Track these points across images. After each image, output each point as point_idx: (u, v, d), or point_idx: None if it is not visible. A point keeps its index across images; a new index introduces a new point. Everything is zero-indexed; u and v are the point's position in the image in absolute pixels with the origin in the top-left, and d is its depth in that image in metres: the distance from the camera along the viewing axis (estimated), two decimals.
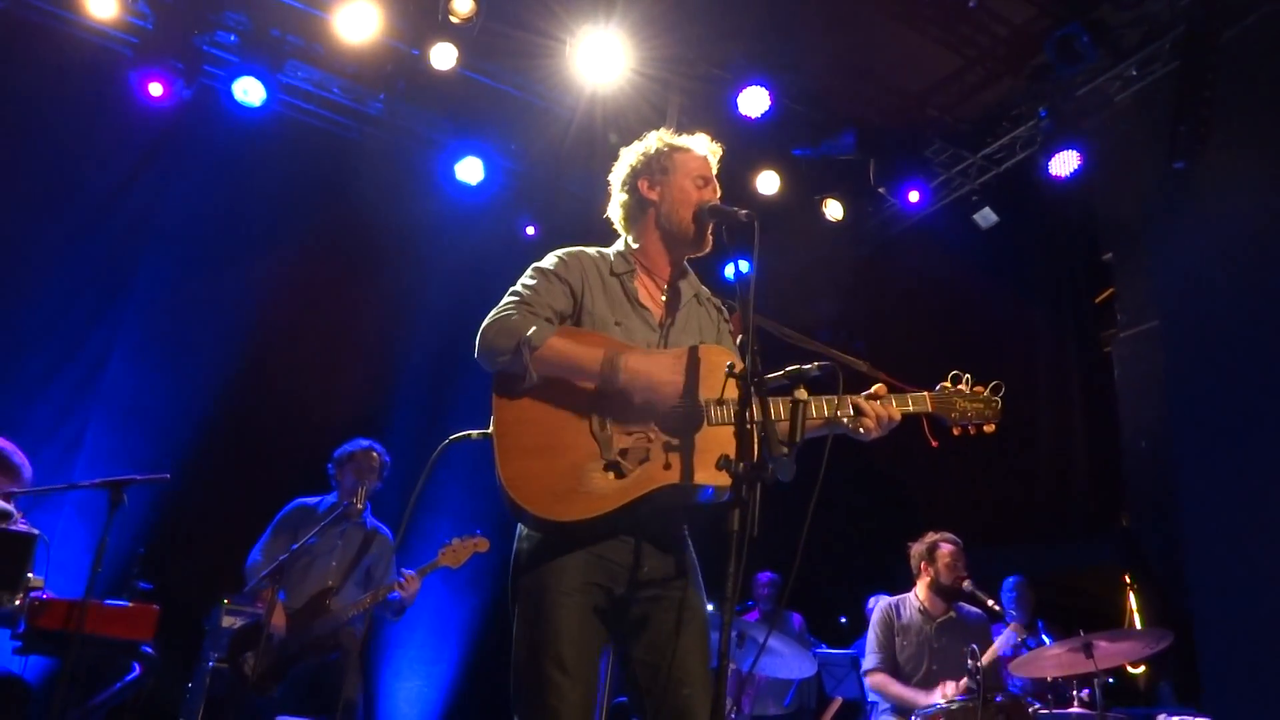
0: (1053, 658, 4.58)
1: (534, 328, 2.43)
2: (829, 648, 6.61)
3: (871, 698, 5.19)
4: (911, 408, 2.59)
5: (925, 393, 2.62)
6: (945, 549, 5.19)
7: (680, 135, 2.82)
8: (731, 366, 2.31)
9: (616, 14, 6.34)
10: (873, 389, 2.57)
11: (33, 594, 4.45)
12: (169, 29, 6.33)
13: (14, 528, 4.54)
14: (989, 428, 2.63)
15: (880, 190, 7.57)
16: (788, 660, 5.03)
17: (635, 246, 2.76)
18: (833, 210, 7.96)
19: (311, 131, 7.25)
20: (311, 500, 5.40)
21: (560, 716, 2.30)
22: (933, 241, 8.09)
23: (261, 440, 6.78)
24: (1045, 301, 8.35)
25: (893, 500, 8.28)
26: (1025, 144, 7.30)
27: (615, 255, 2.74)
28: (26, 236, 6.43)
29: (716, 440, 2.36)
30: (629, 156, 2.80)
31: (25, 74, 6.41)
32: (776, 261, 8.05)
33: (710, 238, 2.70)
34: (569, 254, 2.68)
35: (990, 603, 5.02)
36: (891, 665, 5.05)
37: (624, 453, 2.41)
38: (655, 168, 2.73)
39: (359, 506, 5.19)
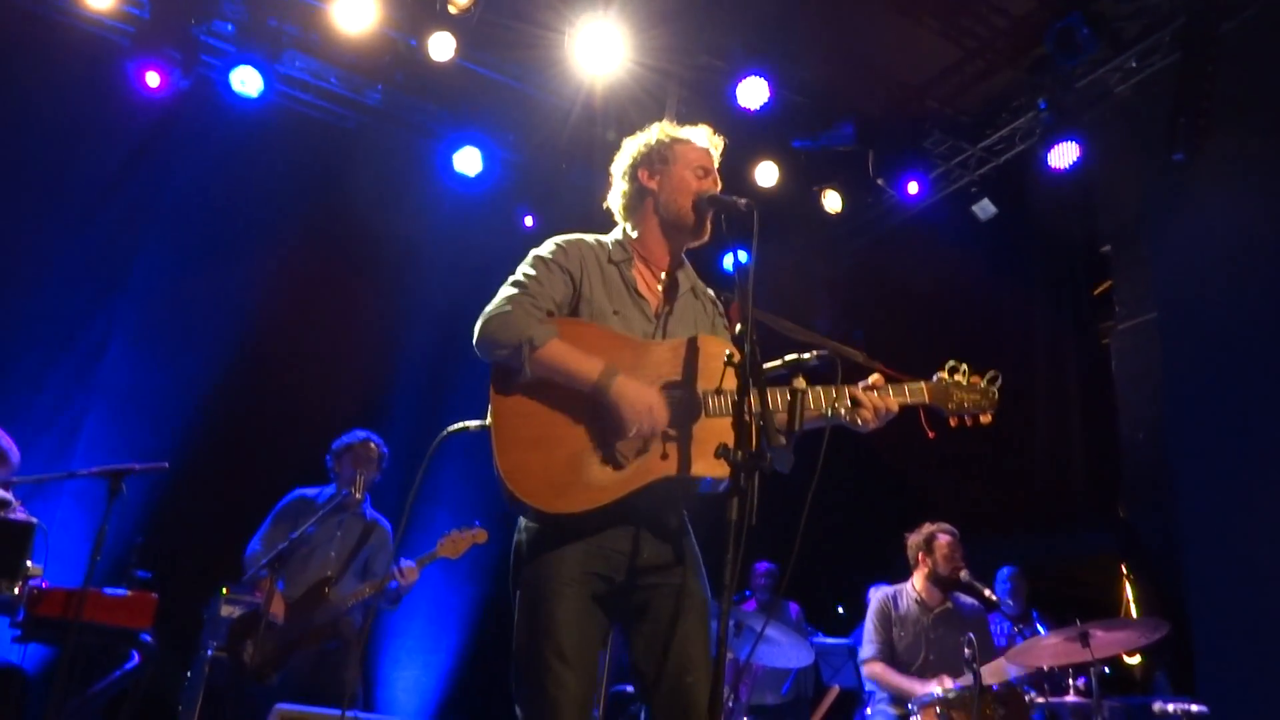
0: (1049, 647, 4.60)
1: (537, 328, 2.43)
2: (826, 637, 6.63)
3: (868, 687, 5.21)
4: (909, 398, 2.59)
5: (922, 383, 2.63)
6: (942, 539, 5.20)
7: (683, 127, 2.82)
8: (730, 356, 2.31)
9: (615, 4, 6.33)
10: (870, 380, 2.58)
11: (31, 582, 4.46)
12: (166, 18, 6.30)
13: (12, 516, 4.56)
14: (985, 418, 2.64)
15: (879, 182, 7.56)
16: (785, 649, 5.04)
17: (634, 236, 2.76)
18: (831, 201, 7.96)
19: (309, 122, 7.24)
20: (311, 491, 5.41)
21: (560, 705, 2.31)
22: (931, 233, 8.09)
23: (260, 430, 6.78)
24: (1043, 293, 8.35)
25: (890, 490, 8.30)
26: (1024, 136, 7.30)
27: (613, 244, 2.74)
28: (24, 227, 6.42)
29: (714, 431, 2.37)
30: (631, 146, 2.81)
31: (21, 64, 6.38)
32: (775, 252, 8.05)
33: (709, 227, 2.70)
34: (568, 241, 2.69)
35: (987, 593, 5.04)
36: (888, 655, 5.07)
37: (622, 444, 2.41)
38: (656, 158, 2.74)
39: (358, 497, 5.20)
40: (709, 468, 2.34)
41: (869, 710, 5.13)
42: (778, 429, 2.21)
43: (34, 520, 4.55)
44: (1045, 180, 7.02)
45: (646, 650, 2.43)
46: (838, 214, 8.04)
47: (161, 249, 6.87)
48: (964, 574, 5.04)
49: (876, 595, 5.28)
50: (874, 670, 5.04)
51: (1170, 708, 4.90)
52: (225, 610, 5.33)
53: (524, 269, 2.62)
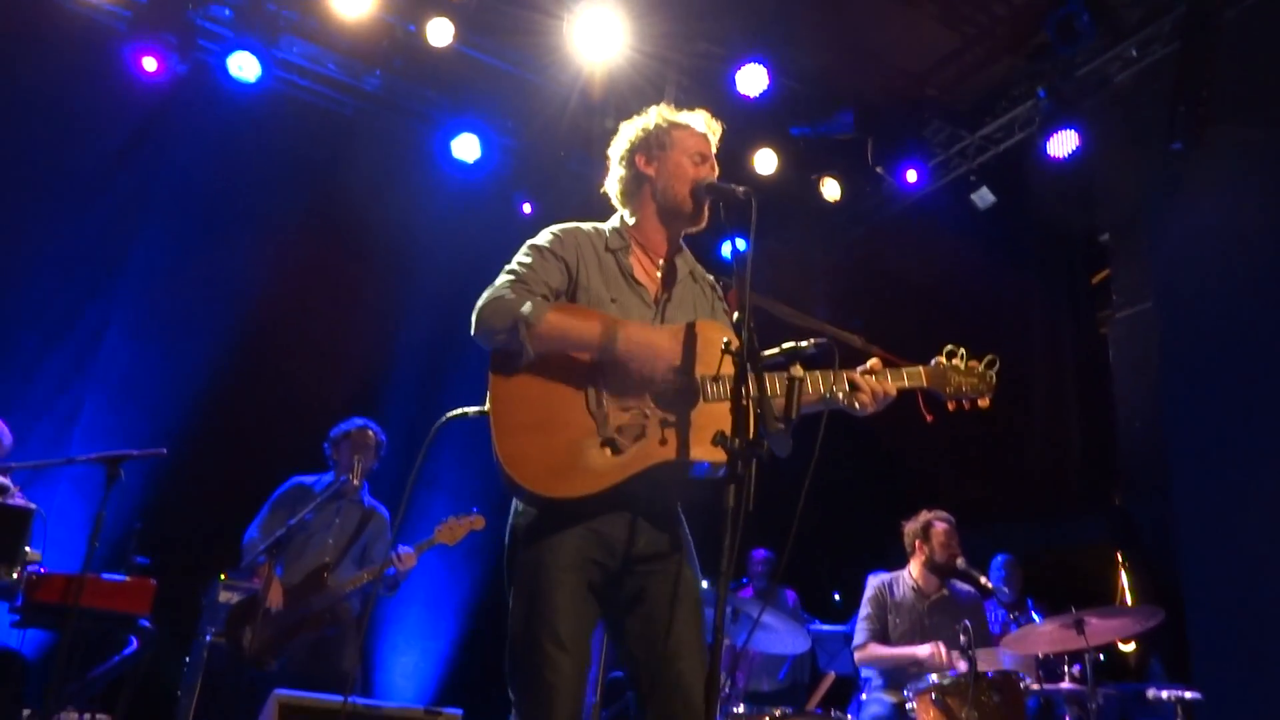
0: (1044, 634, 4.63)
1: (529, 305, 2.43)
2: (823, 624, 6.65)
3: (864, 674, 5.23)
4: (906, 383, 2.60)
5: (920, 367, 2.64)
6: (939, 527, 5.22)
7: (681, 112, 2.81)
8: (728, 343, 2.31)
9: None
10: (868, 364, 2.59)
11: (30, 568, 4.47)
12: (163, 3, 6.27)
13: (10, 502, 4.57)
14: (983, 402, 2.65)
15: (878, 170, 7.55)
16: (782, 636, 5.06)
17: (631, 222, 2.76)
18: (830, 189, 7.94)
19: (307, 108, 7.21)
20: (309, 479, 5.42)
21: (555, 690, 2.32)
22: (930, 222, 8.09)
23: (258, 417, 6.78)
24: (1041, 282, 8.36)
25: (887, 478, 8.32)
26: (1024, 124, 7.28)
27: (611, 231, 2.74)
28: (20, 213, 6.40)
29: (712, 416, 2.37)
30: (628, 132, 2.80)
31: (18, 48, 6.35)
32: (774, 240, 8.06)
33: (707, 214, 2.69)
34: (564, 230, 2.68)
35: (983, 580, 5.06)
36: (882, 640, 5.09)
37: (620, 429, 2.42)
38: (653, 143, 2.73)
39: (356, 484, 5.21)
40: (707, 453, 2.35)
41: (864, 696, 5.15)
42: (775, 415, 2.22)
43: (32, 506, 4.56)
44: (1044, 169, 7.01)
45: (640, 636, 2.44)
46: (836, 202, 8.03)
47: (159, 235, 6.85)
48: (960, 561, 5.06)
49: (873, 582, 5.31)
50: (866, 653, 5.06)
51: (1164, 694, 4.93)
52: (223, 596, 5.35)
53: (519, 258, 2.61)
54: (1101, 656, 4.70)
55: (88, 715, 4.85)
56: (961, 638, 4.21)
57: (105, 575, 4.68)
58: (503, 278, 2.55)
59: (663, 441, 2.40)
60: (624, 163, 2.78)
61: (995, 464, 7.96)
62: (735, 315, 2.27)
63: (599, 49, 6.51)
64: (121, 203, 6.80)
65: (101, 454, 4.44)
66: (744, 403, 2.16)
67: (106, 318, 6.69)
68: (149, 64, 6.33)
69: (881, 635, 5.11)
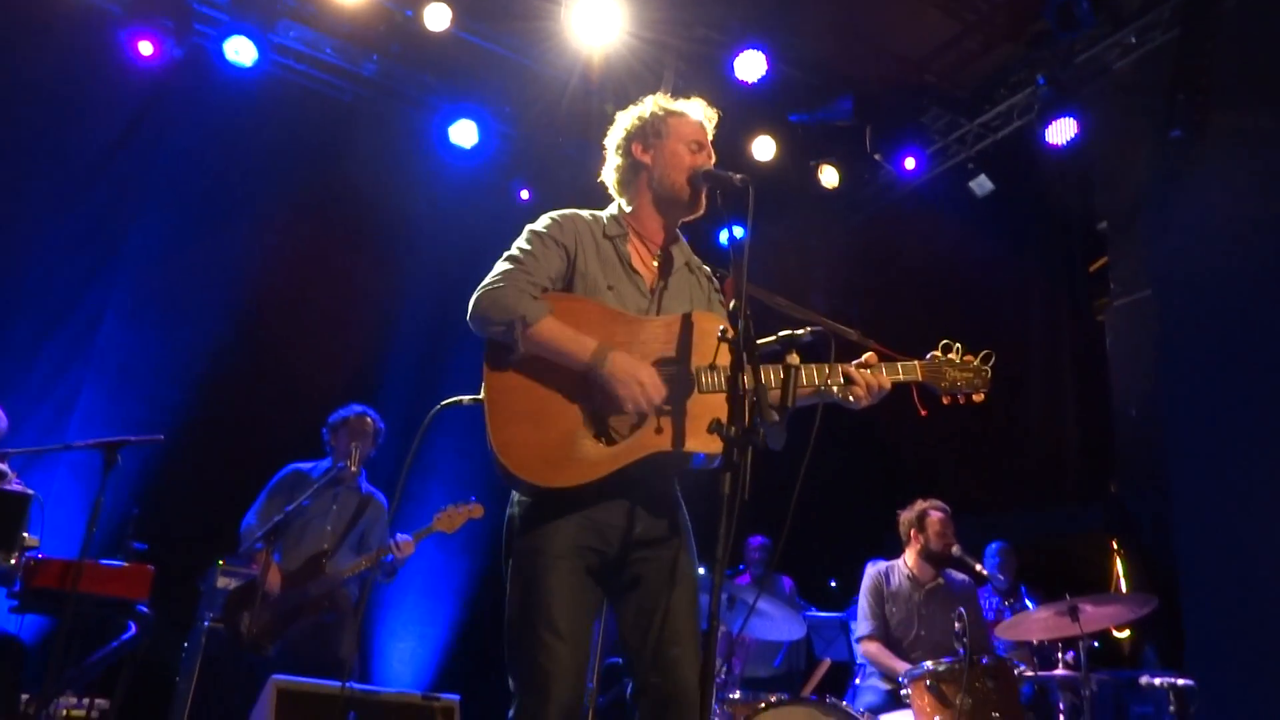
0: (1039, 621, 4.65)
1: (529, 305, 2.44)
2: (819, 611, 6.68)
3: (860, 660, 5.26)
4: (902, 376, 2.60)
5: (915, 361, 2.64)
6: (935, 516, 5.23)
7: (676, 100, 2.81)
8: (723, 332, 2.32)
9: None
10: (863, 357, 2.59)
11: (28, 553, 4.48)
12: None
13: (8, 487, 4.57)
14: (978, 397, 2.65)
15: (876, 157, 7.54)
16: (778, 623, 5.08)
17: (628, 211, 2.76)
18: (828, 177, 7.93)
19: (304, 93, 7.18)
20: (306, 466, 5.43)
21: (552, 677, 2.34)
22: (928, 209, 8.08)
23: (255, 403, 6.78)
24: (1039, 270, 8.36)
25: (883, 466, 8.34)
26: (1022, 111, 7.27)
27: (608, 219, 2.74)
28: (17, 198, 6.38)
29: (708, 406, 2.38)
30: (624, 120, 2.80)
31: (12, 32, 6.32)
32: (771, 228, 8.04)
33: (704, 202, 2.69)
34: (563, 215, 2.68)
35: (978, 567, 5.08)
36: (883, 632, 5.11)
37: (615, 419, 2.42)
38: (650, 131, 2.73)
39: (354, 471, 5.21)
40: (702, 443, 2.36)
41: (859, 682, 5.18)
42: (771, 405, 2.22)
43: (30, 491, 4.56)
44: (1043, 156, 7.00)
45: (635, 623, 2.45)
46: (834, 189, 8.02)
47: (156, 221, 6.84)
48: (955, 549, 5.07)
49: (870, 572, 5.32)
50: (870, 649, 5.09)
51: (1157, 681, 4.95)
52: (221, 582, 5.37)
53: (519, 244, 2.61)
54: (1095, 643, 4.71)
55: (86, 700, 4.87)
56: (956, 625, 4.23)
57: (103, 561, 4.69)
58: (502, 265, 2.55)
59: (659, 431, 2.40)
60: (620, 151, 2.78)
61: (991, 452, 7.98)
62: (731, 304, 2.27)
63: (597, 34, 6.48)
64: (118, 188, 6.78)
65: (99, 439, 4.44)
66: (740, 391, 2.16)
67: (104, 303, 6.68)
68: (145, 48, 6.30)
69: (883, 627, 5.12)
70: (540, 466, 2.39)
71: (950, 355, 2.66)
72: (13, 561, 4.42)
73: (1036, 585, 6.46)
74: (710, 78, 6.69)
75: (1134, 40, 6.60)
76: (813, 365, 2.49)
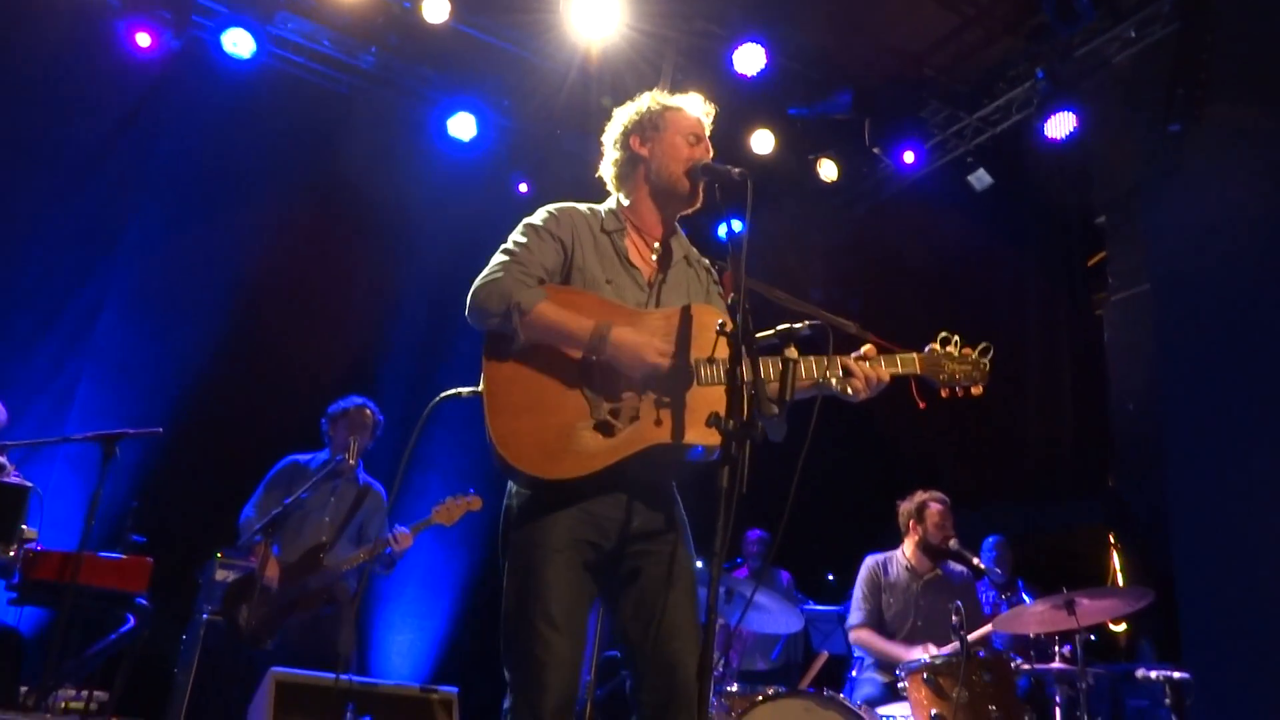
0: (1035, 614, 4.66)
1: (524, 292, 2.44)
2: (816, 604, 6.70)
3: (858, 653, 5.28)
4: (900, 369, 2.61)
5: (914, 354, 2.64)
6: (934, 508, 5.25)
7: (674, 95, 2.81)
8: (722, 325, 2.32)
9: None
10: (862, 350, 2.60)
11: (27, 545, 4.48)
12: None
13: (6, 480, 4.57)
14: (976, 390, 2.66)
15: (875, 151, 7.53)
16: (775, 616, 5.09)
17: (626, 204, 2.76)
18: (827, 170, 7.93)
19: (302, 85, 7.16)
20: (304, 457, 5.43)
21: (548, 670, 2.34)
22: (926, 203, 8.08)
23: (253, 395, 6.78)
24: (1037, 264, 8.37)
25: (881, 459, 8.35)
26: (1021, 105, 7.26)
27: (606, 213, 2.74)
28: (15, 191, 6.37)
29: (706, 399, 2.38)
30: (623, 115, 2.80)
31: (10, 24, 6.30)
32: (770, 221, 8.04)
33: (702, 195, 2.69)
34: (560, 209, 2.68)
35: (975, 561, 5.08)
36: (876, 621, 5.13)
37: (614, 411, 2.43)
38: (648, 125, 2.73)
39: (352, 463, 5.21)
40: (701, 436, 2.36)
41: (854, 674, 5.20)
42: (770, 398, 2.22)
43: (29, 484, 4.57)
44: (1041, 150, 7.00)
45: (634, 616, 2.46)
46: (833, 183, 8.01)
47: (154, 213, 6.83)
48: (953, 542, 5.08)
49: (867, 562, 5.34)
50: (860, 636, 5.11)
51: (1153, 674, 4.97)
52: (220, 575, 5.37)
53: (515, 237, 2.61)
54: (1092, 637, 4.73)
55: (85, 692, 4.88)
56: (953, 618, 4.24)
57: (102, 554, 4.70)
58: (499, 258, 2.55)
59: (657, 424, 2.41)
60: (618, 145, 2.78)
61: (989, 446, 7.99)
62: (730, 298, 2.27)
63: (596, 27, 6.47)
64: (116, 181, 6.77)
65: (98, 432, 4.45)
66: (738, 385, 2.16)
67: (102, 296, 6.68)
68: (143, 40, 6.29)
69: (875, 616, 5.15)
70: (539, 458, 2.39)
71: (948, 348, 2.66)
72: (11, 554, 4.43)
73: (1034, 579, 6.48)
74: (709, 71, 6.68)
75: (1133, 34, 6.59)
76: (811, 358, 2.49)
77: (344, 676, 4.50)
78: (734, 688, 4.43)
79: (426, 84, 7.33)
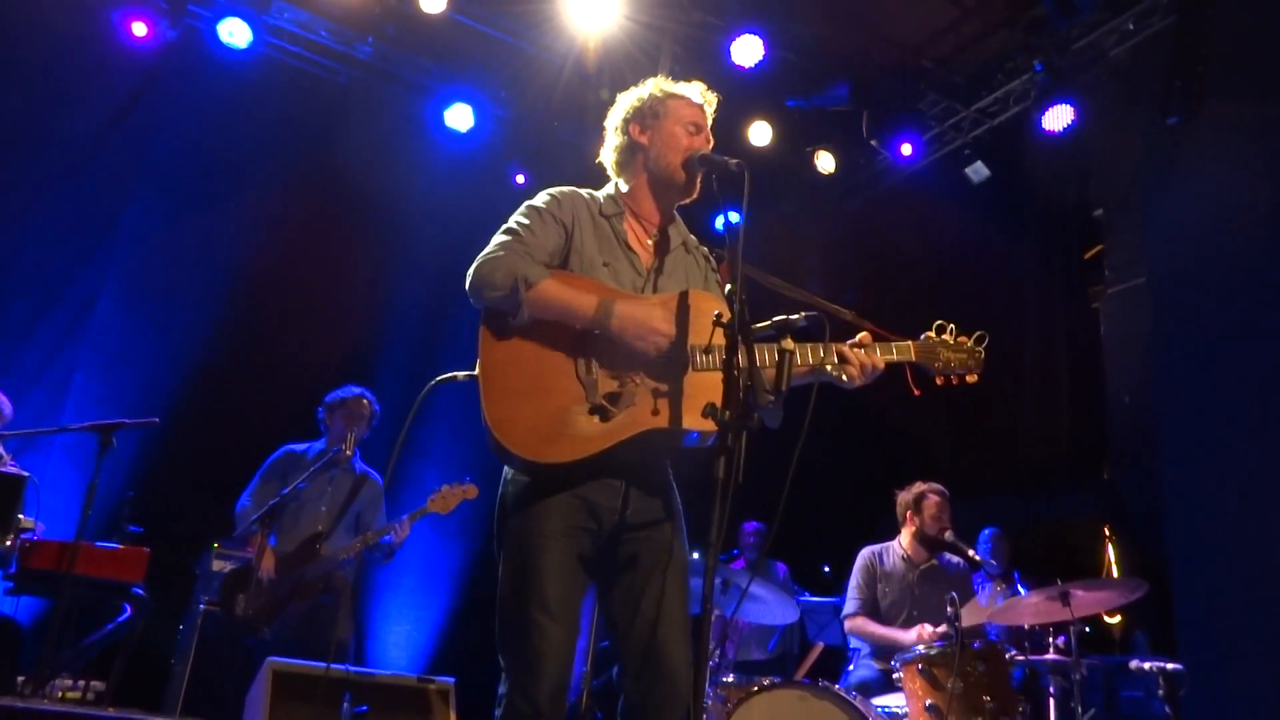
0: (1030, 606, 4.67)
1: (531, 267, 2.45)
2: (812, 596, 6.72)
3: (853, 644, 5.29)
4: (895, 356, 2.61)
5: (909, 342, 2.65)
6: (932, 499, 5.26)
7: (677, 83, 2.81)
8: (719, 315, 2.32)
9: None
10: (857, 337, 2.60)
11: (24, 535, 4.49)
12: None
13: (3, 470, 4.57)
14: (971, 378, 2.66)
15: (873, 143, 7.53)
16: (771, 607, 5.10)
17: (625, 190, 2.76)
18: (824, 162, 7.92)
19: (299, 75, 7.14)
20: (300, 447, 5.43)
21: (543, 657, 2.34)
22: (924, 195, 8.07)
23: (250, 385, 6.78)
24: (1034, 256, 8.37)
25: (878, 450, 8.36)
26: (1019, 98, 7.25)
27: (605, 198, 2.74)
28: (10, 180, 6.35)
29: (702, 386, 2.39)
30: (625, 101, 2.80)
31: (5, 13, 6.28)
32: (767, 213, 8.04)
33: (699, 186, 2.69)
34: (561, 192, 2.68)
35: (971, 553, 5.10)
36: (871, 611, 5.16)
37: (610, 396, 2.43)
38: (648, 113, 2.73)
39: (348, 453, 5.22)
40: (696, 422, 2.36)
41: (852, 667, 5.21)
42: (765, 387, 2.23)
43: (25, 474, 4.56)
44: (1039, 143, 6.99)
45: (624, 604, 2.46)
46: (831, 174, 8.00)
47: (150, 203, 6.82)
48: (949, 534, 5.10)
49: (864, 553, 5.35)
50: (855, 624, 5.13)
51: (1147, 666, 4.99)
52: (217, 564, 5.38)
53: (517, 218, 2.62)
54: (1087, 628, 4.75)
55: (82, 682, 4.88)
56: (948, 609, 4.25)
57: (99, 543, 4.70)
58: (501, 237, 2.55)
59: (654, 411, 2.41)
60: (619, 131, 2.78)
61: (986, 437, 8.01)
62: (727, 287, 2.28)
63: (594, 18, 6.46)
64: (112, 171, 6.75)
65: (95, 422, 4.45)
66: (735, 374, 2.17)
67: (98, 286, 6.67)
68: (138, 29, 6.28)
69: (871, 605, 5.17)
70: (534, 441, 2.40)
71: (944, 336, 2.67)
72: (8, 543, 4.43)
73: (1029, 570, 6.49)
74: (707, 62, 6.66)
75: (1131, 27, 6.58)
76: (807, 345, 2.49)
77: (341, 666, 4.51)
78: (730, 678, 4.45)
79: (423, 74, 7.31)
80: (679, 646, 2.40)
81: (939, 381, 2.65)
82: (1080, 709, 4.45)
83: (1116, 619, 6.74)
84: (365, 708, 4.31)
